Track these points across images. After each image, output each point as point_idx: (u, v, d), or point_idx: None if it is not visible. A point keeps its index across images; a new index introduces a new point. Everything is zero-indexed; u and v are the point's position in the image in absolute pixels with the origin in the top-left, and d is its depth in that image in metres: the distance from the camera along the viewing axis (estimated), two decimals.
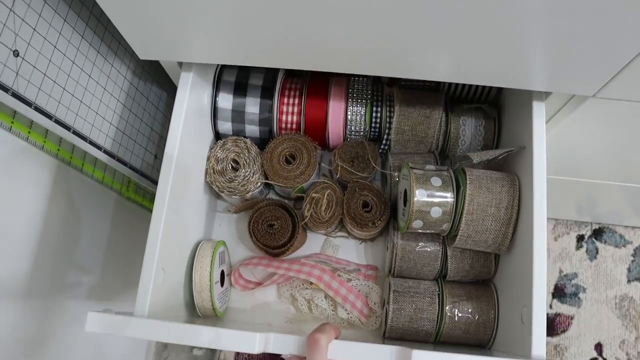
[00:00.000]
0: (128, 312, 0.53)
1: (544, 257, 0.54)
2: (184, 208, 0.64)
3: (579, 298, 1.10)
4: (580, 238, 1.14)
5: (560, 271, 1.12)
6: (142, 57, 0.58)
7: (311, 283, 0.70)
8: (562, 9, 0.41)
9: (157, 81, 0.79)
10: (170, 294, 0.60)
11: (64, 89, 0.57)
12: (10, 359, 0.62)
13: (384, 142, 0.72)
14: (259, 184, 0.70)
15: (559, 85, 0.54)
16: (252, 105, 0.70)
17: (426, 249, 0.66)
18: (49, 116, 0.56)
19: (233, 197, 0.69)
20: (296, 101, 0.72)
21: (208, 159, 0.70)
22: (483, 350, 0.63)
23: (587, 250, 1.13)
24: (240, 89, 0.70)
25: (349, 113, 0.72)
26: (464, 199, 0.59)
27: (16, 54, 0.50)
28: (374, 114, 0.72)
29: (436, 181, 0.60)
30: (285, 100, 0.72)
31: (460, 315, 0.63)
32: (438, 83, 0.73)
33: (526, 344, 0.52)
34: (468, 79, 0.56)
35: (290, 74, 0.78)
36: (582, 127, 0.66)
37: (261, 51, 0.54)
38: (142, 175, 0.78)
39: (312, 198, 0.70)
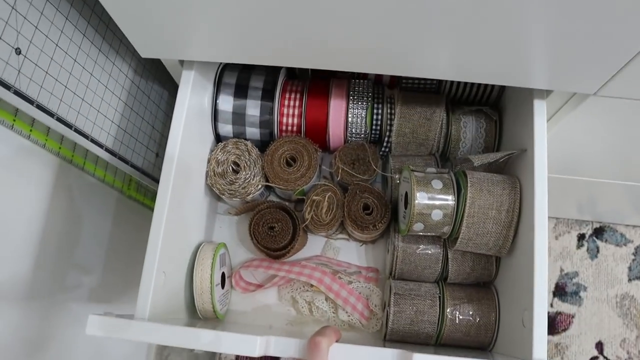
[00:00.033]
0: (129, 315, 0.53)
1: (545, 259, 0.53)
2: (185, 210, 0.64)
3: (579, 297, 1.10)
4: (581, 237, 1.14)
5: (561, 270, 1.12)
6: (143, 55, 0.58)
7: (312, 285, 0.70)
8: (564, 7, 0.41)
9: (158, 79, 0.79)
10: (171, 296, 0.60)
11: (65, 87, 0.57)
12: None
13: (384, 144, 0.72)
14: (260, 186, 0.70)
15: (560, 84, 0.54)
16: (253, 108, 0.70)
17: (427, 251, 0.66)
18: (50, 114, 0.56)
19: (234, 199, 0.69)
20: (297, 103, 0.72)
21: (209, 161, 0.70)
22: (484, 353, 0.63)
23: (588, 249, 1.13)
24: (240, 91, 0.70)
25: (349, 115, 0.71)
26: (465, 201, 0.58)
27: (18, 51, 0.50)
28: (374, 116, 0.71)
29: (437, 184, 0.60)
30: (286, 102, 0.72)
31: (461, 317, 0.63)
32: (439, 85, 0.72)
33: (527, 346, 0.52)
34: (469, 77, 0.56)
35: (291, 75, 0.78)
36: (583, 125, 0.66)
37: (262, 50, 0.54)
38: (144, 173, 0.78)
39: (313, 200, 0.70)
